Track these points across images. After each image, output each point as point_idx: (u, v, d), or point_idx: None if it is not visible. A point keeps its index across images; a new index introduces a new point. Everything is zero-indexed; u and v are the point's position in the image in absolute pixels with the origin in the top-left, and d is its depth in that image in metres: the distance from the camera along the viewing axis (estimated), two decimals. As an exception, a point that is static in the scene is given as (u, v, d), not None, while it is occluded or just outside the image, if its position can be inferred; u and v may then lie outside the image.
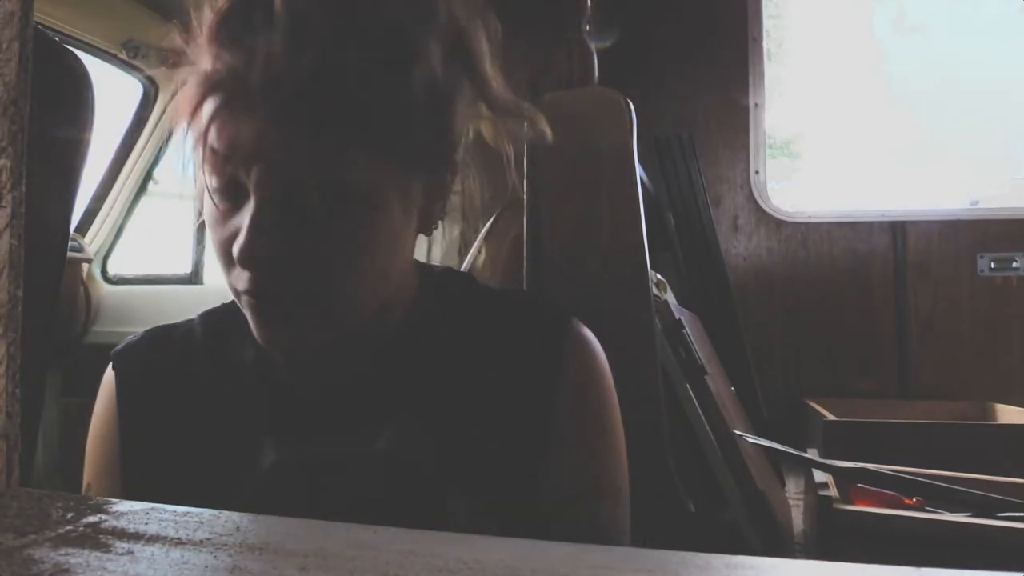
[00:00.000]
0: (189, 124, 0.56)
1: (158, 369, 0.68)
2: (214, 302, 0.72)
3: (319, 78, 0.52)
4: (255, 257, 0.55)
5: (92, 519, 0.35)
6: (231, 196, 0.56)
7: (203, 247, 2.44)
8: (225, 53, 0.54)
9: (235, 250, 0.55)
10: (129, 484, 0.66)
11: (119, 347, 0.70)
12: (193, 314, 0.72)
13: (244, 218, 0.55)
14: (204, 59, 0.55)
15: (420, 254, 0.78)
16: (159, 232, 2.58)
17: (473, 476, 0.61)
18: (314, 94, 0.52)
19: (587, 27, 1.29)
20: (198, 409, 0.66)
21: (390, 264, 0.61)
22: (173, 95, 0.61)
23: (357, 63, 0.53)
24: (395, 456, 0.61)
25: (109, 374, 0.69)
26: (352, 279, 0.59)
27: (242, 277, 0.56)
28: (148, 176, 2.40)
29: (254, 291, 0.57)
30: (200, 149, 0.55)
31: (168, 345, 0.69)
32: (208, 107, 0.54)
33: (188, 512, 0.37)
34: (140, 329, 0.71)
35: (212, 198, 0.57)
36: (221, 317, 0.70)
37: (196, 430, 0.65)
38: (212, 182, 0.56)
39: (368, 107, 0.54)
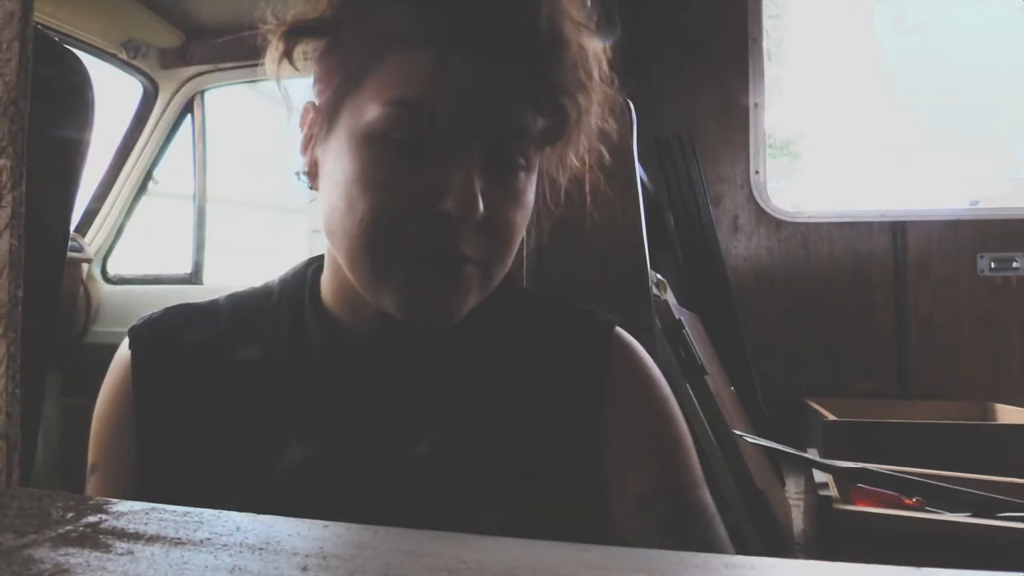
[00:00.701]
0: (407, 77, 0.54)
1: (180, 347, 0.64)
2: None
3: (526, 41, 0.54)
4: (475, 212, 0.53)
5: (92, 519, 0.35)
6: (424, 153, 0.54)
7: (203, 247, 2.44)
8: (452, 12, 0.53)
9: (453, 204, 0.53)
10: (144, 467, 0.62)
11: (137, 323, 0.65)
12: None
13: (445, 176, 0.53)
14: (414, 16, 0.54)
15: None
16: (159, 232, 2.58)
17: (515, 481, 0.60)
18: (521, 57, 0.54)
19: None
20: (224, 392, 0.62)
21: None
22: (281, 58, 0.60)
23: (545, 27, 0.55)
24: (438, 458, 0.59)
25: (124, 351, 0.64)
26: (512, 249, 0.59)
27: (429, 233, 0.54)
28: (148, 176, 2.40)
29: (450, 248, 0.54)
30: (408, 106, 0.53)
31: (192, 323, 0.66)
32: (436, 64, 0.53)
33: (188, 512, 0.36)
34: None
35: (394, 151, 0.54)
36: (251, 301, 0.67)
37: (221, 414, 0.62)
38: (401, 135, 0.54)
39: (551, 74, 0.55)
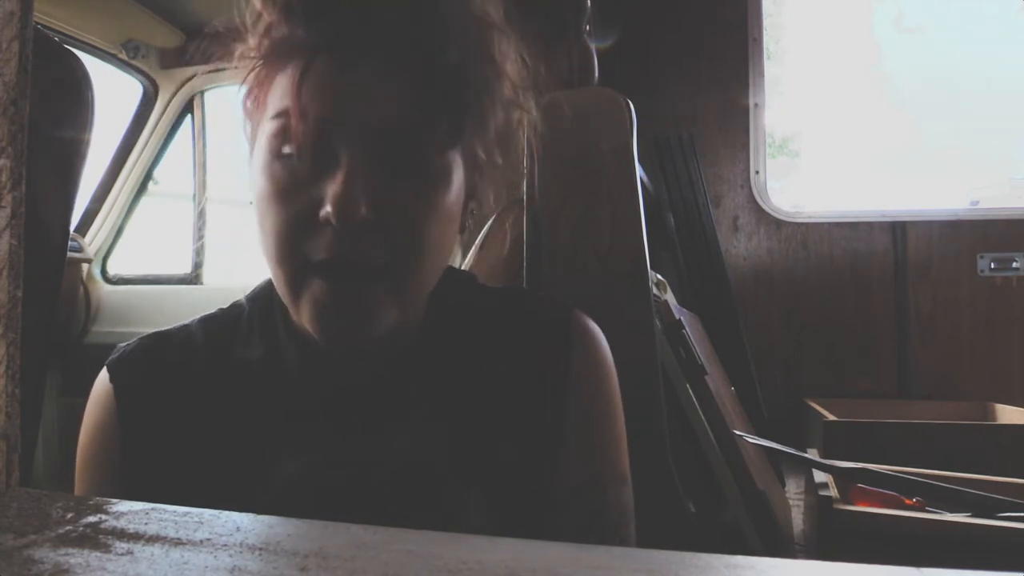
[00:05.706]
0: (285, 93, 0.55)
1: (161, 376, 0.64)
2: (214, 301, 0.71)
3: (409, 37, 0.54)
4: (353, 215, 0.52)
5: (92, 519, 0.35)
6: (310, 162, 0.55)
7: (202, 247, 2.44)
8: (318, 18, 0.55)
9: (331, 209, 0.52)
10: (134, 493, 0.62)
11: (114, 357, 0.66)
12: (192, 315, 0.70)
13: (329, 183, 0.53)
14: (286, 28, 0.56)
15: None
16: (159, 232, 2.58)
17: (490, 472, 0.61)
18: (404, 54, 0.54)
19: (587, 27, 1.29)
20: (208, 416, 0.63)
21: (449, 247, 0.61)
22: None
23: (436, 22, 0.55)
24: (414, 456, 0.60)
25: (105, 386, 0.65)
26: (424, 254, 0.57)
27: (322, 244, 0.54)
28: (148, 176, 2.40)
29: (339, 257, 0.53)
30: (287, 116, 0.54)
31: (167, 351, 0.66)
32: (302, 71, 0.54)
33: (188, 512, 0.36)
34: (140, 329, 0.69)
35: (287, 165, 0.55)
36: (223, 321, 0.68)
37: (208, 438, 0.62)
38: (290, 149, 0.55)
39: (445, 69, 0.55)
